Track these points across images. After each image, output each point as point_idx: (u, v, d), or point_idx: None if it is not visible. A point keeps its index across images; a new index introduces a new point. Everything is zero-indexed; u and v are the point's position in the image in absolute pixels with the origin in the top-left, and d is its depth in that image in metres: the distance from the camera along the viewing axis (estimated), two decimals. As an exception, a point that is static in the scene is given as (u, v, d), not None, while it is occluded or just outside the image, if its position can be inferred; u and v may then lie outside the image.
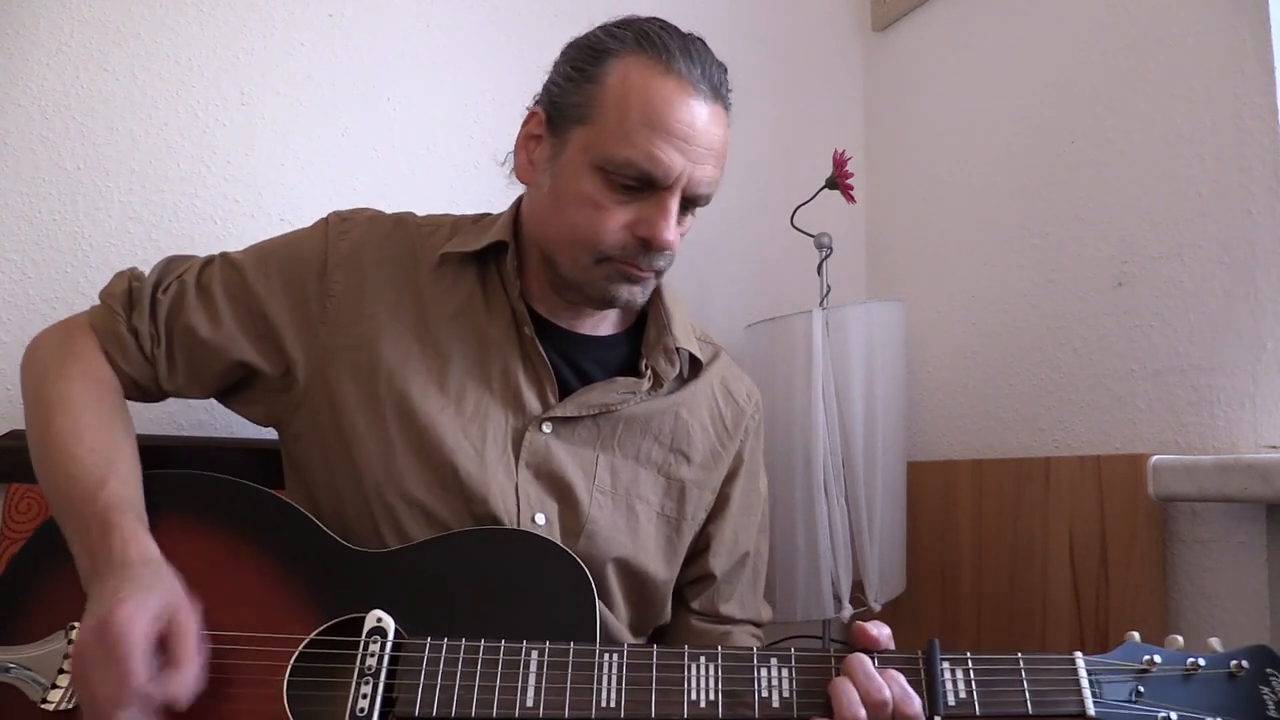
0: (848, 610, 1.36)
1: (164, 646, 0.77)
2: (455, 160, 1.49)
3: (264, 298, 0.98)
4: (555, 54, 1.08)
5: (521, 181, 1.02)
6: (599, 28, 0.97)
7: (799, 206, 1.49)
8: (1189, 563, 1.18)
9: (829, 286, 1.50)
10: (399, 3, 1.47)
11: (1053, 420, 1.41)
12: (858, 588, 1.39)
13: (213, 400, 1.03)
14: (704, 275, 1.68)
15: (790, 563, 1.38)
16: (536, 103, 1.00)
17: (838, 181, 1.47)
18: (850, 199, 1.49)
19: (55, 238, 1.23)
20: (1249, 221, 1.17)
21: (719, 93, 0.96)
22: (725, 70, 0.98)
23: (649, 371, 1.03)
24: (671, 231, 0.93)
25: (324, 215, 1.05)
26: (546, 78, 1.00)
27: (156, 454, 0.94)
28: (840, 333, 1.41)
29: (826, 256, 1.50)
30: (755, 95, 1.77)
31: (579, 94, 0.94)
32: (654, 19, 0.96)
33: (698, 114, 0.92)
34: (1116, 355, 1.32)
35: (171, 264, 1.02)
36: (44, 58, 1.24)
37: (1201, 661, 0.81)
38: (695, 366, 1.09)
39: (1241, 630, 1.11)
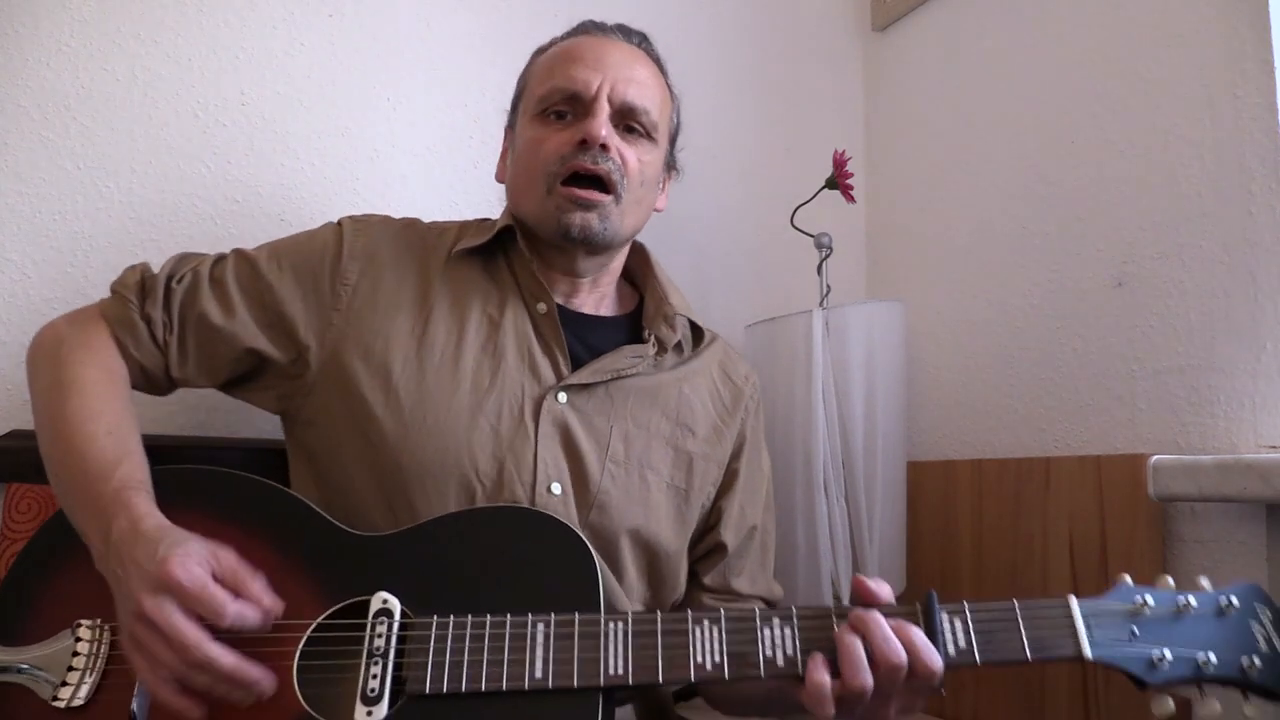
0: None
1: (220, 578, 0.78)
2: (455, 160, 1.49)
3: (276, 287, 1.01)
4: (555, 52, 1.12)
5: (500, 181, 1.13)
6: None
7: (799, 206, 1.49)
8: (1189, 563, 1.18)
9: (829, 286, 1.50)
10: (399, 3, 1.47)
11: (1053, 420, 1.41)
12: (858, 588, 1.39)
13: (213, 401, 1.03)
14: (704, 275, 1.68)
15: (790, 563, 1.38)
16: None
17: (838, 181, 1.47)
18: (850, 199, 1.49)
19: (55, 238, 1.23)
20: (1249, 221, 1.17)
21: (631, 39, 1.09)
22: (645, 35, 1.11)
23: (652, 337, 1.07)
24: (600, 125, 0.99)
25: (334, 219, 1.09)
26: None
27: (156, 454, 0.94)
28: (840, 333, 1.41)
29: (826, 256, 1.50)
30: (756, 95, 1.77)
31: (519, 88, 1.12)
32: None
33: (605, 45, 1.06)
34: (1116, 355, 1.32)
35: (184, 259, 1.04)
36: (44, 58, 1.24)
37: (1193, 600, 0.82)
38: (696, 340, 1.13)
39: (1241, 630, 1.11)
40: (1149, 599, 0.82)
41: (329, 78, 1.41)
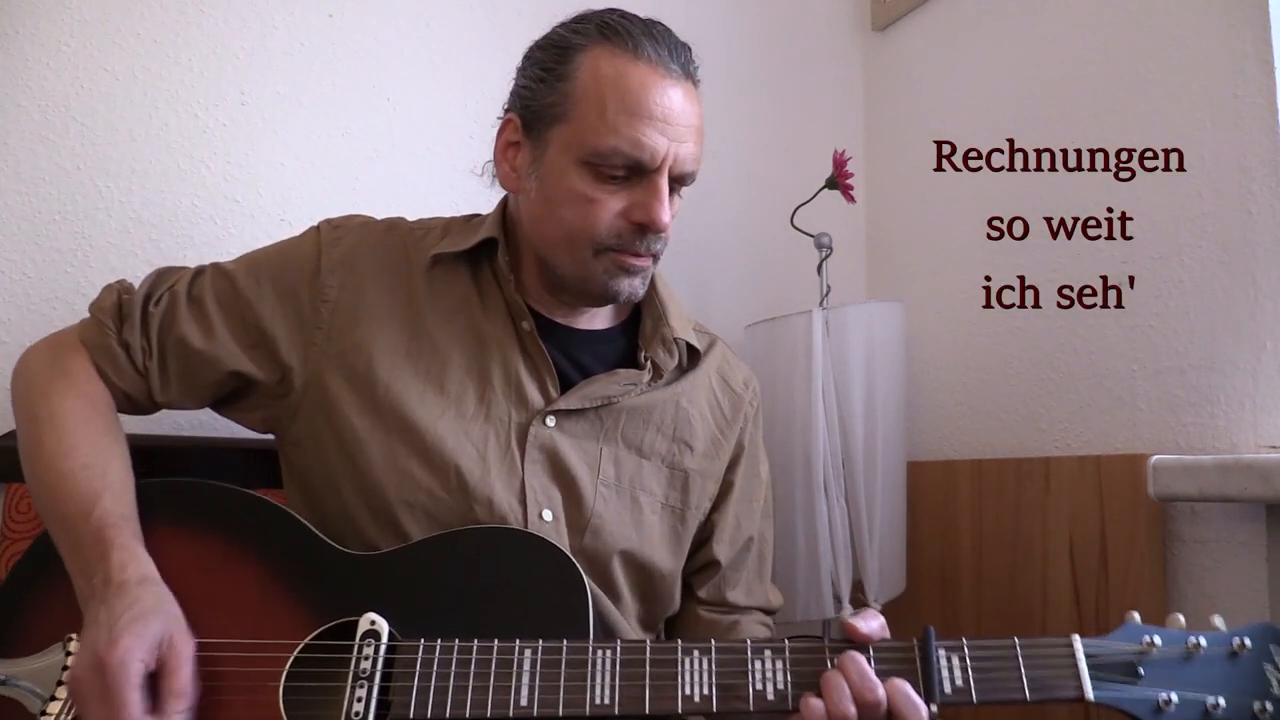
0: (848, 610, 1.36)
1: (159, 676, 0.77)
2: (455, 160, 1.49)
3: (256, 305, 0.98)
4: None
5: (508, 189, 1.03)
6: (558, 26, 0.99)
7: (799, 206, 1.49)
8: (1189, 563, 1.18)
9: (829, 286, 1.50)
10: (399, 3, 1.47)
11: (1053, 420, 1.41)
12: (858, 588, 1.39)
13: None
14: (704, 275, 1.68)
15: (790, 563, 1.38)
16: (508, 110, 1.01)
17: (838, 181, 1.47)
18: (850, 199, 1.49)
19: (55, 238, 1.23)
20: (1249, 221, 1.17)
21: (687, 71, 0.97)
22: (690, 49, 0.99)
23: (648, 363, 1.03)
24: (666, 213, 0.93)
25: (314, 224, 1.05)
26: (513, 83, 1.01)
27: (156, 454, 0.94)
28: (840, 333, 1.41)
29: (826, 256, 1.50)
30: (755, 96, 1.77)
31: (552, 94, 0.95)
32: (610, 9, 0.98)
33: (673, 95, 0.94)
34: (1116, 355, 1.32)
35: (162, 276, 1.01)
36: (44, 58, 1.24)
37: (1203, 641, 0.79)
38: (693, 357, 1.09)
39: (1241, 630, 1.11)
40: (1157, 639, 0.79)
41: (329, 78, 1.41)
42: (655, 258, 0.98)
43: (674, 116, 0.93)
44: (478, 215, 1.07)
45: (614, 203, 0.93)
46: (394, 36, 1.46)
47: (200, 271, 1.01)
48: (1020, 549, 1.36)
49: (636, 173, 0.93)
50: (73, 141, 1.25)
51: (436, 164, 1.48)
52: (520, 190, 0.99)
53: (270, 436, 1.06)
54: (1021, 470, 1.38)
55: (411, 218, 1.09)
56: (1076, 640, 0.79)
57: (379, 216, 1.08)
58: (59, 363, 0.95)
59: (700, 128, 0.97)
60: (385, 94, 1.45)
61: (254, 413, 1.01)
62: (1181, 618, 0.81)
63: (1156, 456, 1.18)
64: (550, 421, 0.98)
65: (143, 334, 0.97)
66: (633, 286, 0.97)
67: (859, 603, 1.38)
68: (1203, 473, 1.11)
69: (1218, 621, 0.81)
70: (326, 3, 1.42)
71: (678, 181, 0.96)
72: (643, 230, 0.94)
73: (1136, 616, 0.81)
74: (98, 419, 0.93)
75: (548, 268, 0.99)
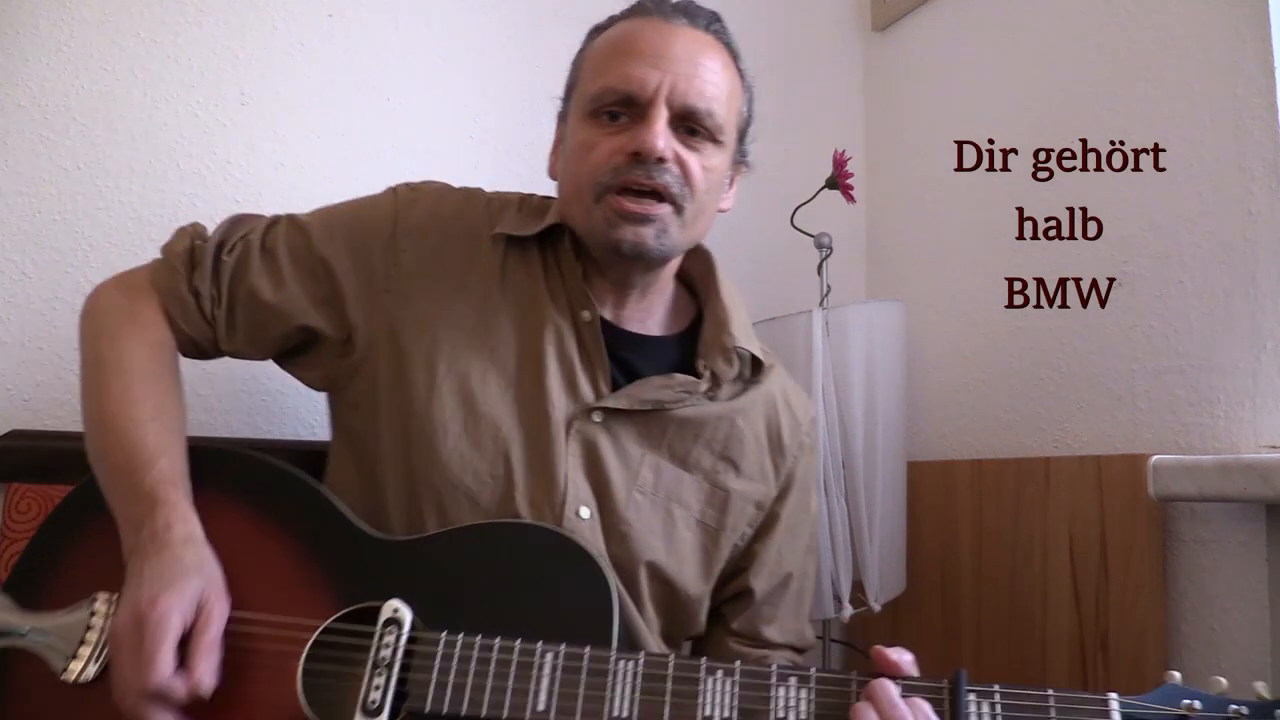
0: (848, 610, 1.36)
1: (191, 633, 0.78)
2: (455, 160, 1.49)
3: (330, 260, 0.97)
4: (556, 52, 1.10)
5: (552, 179, 1.04)
6: None
7: (799, 206, 1.49)
8: (1189, 563, 1.18)
9: (829, 286, 1.50)
10: (399, 3, 1.47)
11: (1053, 420, 1.41)
12: (858, 588, 1.39)
13: (212, 401, 1.02)
14: (704, 275, 1.68)
15: (790, 563, 1.38)
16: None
17: (838, 181, 1.47)
18: (850, 199, 1.49)
19: (55, 238, 1.23)
20: (1249, 221, 1.17)
21: (698, 22, 0.98)
22: (718, 17, 1.01)
23: (707, 372, 1.00)
24: (657, 136, 0.90)
25: (392, 185, 1.04)
26: None
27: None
28: (840, 333, 1.41)
29: (826, 256, 1.50)
30: (756, 95, 1.77)
31: (573, 74, 1.01)
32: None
33: (667, 34, 0.95)
34: (1116, 355, 1.32)
35: (236, 224, 1.01)
36: (44, 58, 1.24)
37: (1245, 710, 0.76)
38: (755, 370, 1.05)
39: (1241, 631, 1.11)
40: (1197, 704, 0.75)
41: (329, 78, 1.41)
42: (672, 202, 0.93)
43: (669, 52, 0.93)
44: (551, 199, 1.05)
45: (614, 141, 0.92)
46: (394, 36, 1.46)
47: (275, 222, 1.01)
48: (1020, 549, 1.36)
49: (633, 109, 0.92)
50: (73, 141, 1.24)
51: (436, 164, 1.48)
52: (556, 173, 1.02)
53: (270, 436, 1.06)
54: (1021, 470, 1.38)
55: (475, 188, 1.07)
56: (1113, 699, 0.76)
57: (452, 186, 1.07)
58: (129, 306, 0.95)
59: (717, 72, 0.96)
60: (385, 94, 1.45)
61: (315, 369, 1.00)
62: (1224, 681, 0.79)
63: (1156, 456, 1.18)
64: (598, 418, 0.96)
65: (213, 282, 0.96)
66: (639, 236, 0.92)
67: (859, 602, 1.38)
68: (1203, 473, 1.11)
69: (1260, 688, 0.79)
70: (326, 3, 1.42)
71: (687, 118, 0.93)
72: (637, 158, 0.91)
73: (1177, 676, 0.79)
74: (165, 370, 0.94)
75: (578, 240, 0.98)
